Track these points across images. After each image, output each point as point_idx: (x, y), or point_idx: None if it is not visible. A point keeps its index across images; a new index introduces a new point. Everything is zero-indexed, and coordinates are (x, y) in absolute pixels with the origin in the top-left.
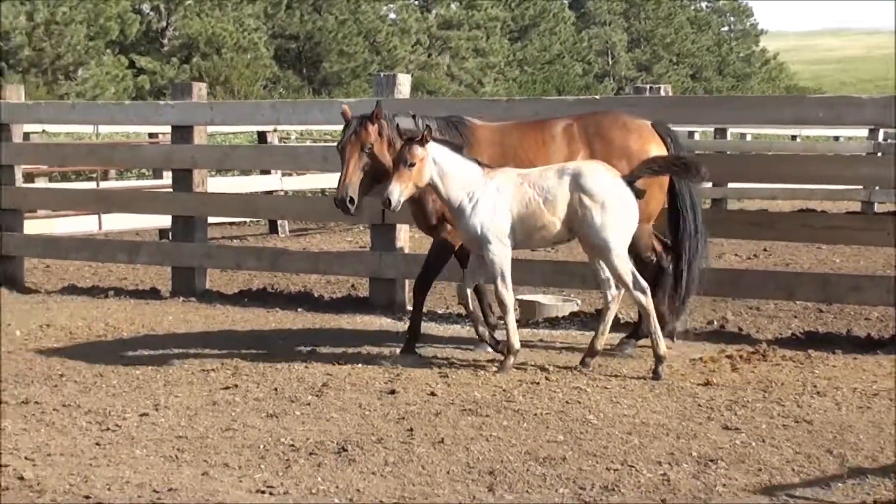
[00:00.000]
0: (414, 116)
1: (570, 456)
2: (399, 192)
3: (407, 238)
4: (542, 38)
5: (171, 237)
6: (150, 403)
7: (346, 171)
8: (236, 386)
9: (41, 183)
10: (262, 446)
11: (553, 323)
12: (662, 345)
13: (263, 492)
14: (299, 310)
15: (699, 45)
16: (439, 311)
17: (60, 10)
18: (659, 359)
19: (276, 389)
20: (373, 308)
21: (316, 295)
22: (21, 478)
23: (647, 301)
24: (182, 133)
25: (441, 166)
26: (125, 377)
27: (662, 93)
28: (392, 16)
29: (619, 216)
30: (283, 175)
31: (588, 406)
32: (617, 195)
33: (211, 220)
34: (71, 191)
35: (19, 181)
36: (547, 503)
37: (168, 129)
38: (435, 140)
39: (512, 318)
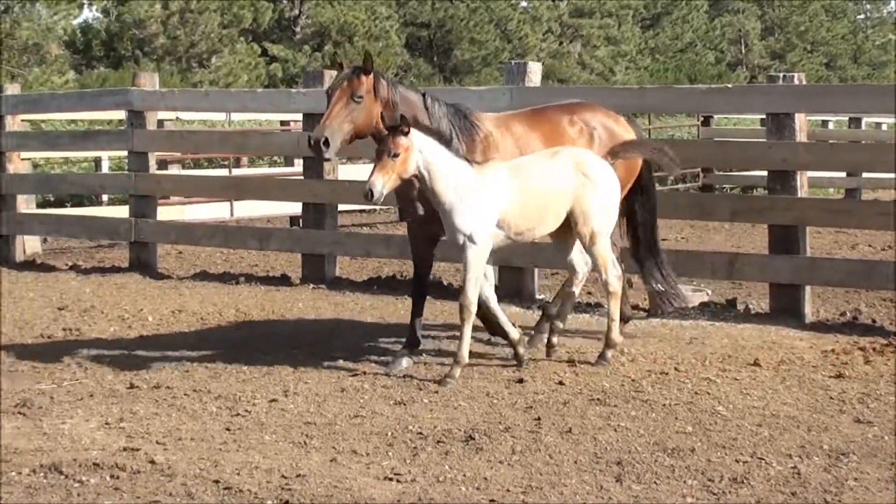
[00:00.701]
0: (424, 95)
1: (699, 447)
2: (382, 183)
3: None
4: (675, 27)
5: (301, 224)
6: (279, 389)
7: (328, 112)
8: (364, 373)
9: (174, 170)
10: (389, 433)
11: (683, 313)
12: (617, 331)
13: (391, 479)
14: (428, 297)
15: (834, 34)
16: None
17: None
18: (609, 344)
19: (404, 377)
20: (502, 297)
21: (444, 283)
22: (152, 461)
23: (618, 287)
24: (314, 120)
25: (427, 157)
26: (255, 363)
27: (796, 81)
28: (524, 3)
29: (614, 201)
30: None
31: (717, 397)
32: (613, 180)
33: (341, 207)
34: (203, 178)
35: (153, 168)
36: (675, 494)
37: (300, 116)
38: (422, 130)
39: (469, 327)
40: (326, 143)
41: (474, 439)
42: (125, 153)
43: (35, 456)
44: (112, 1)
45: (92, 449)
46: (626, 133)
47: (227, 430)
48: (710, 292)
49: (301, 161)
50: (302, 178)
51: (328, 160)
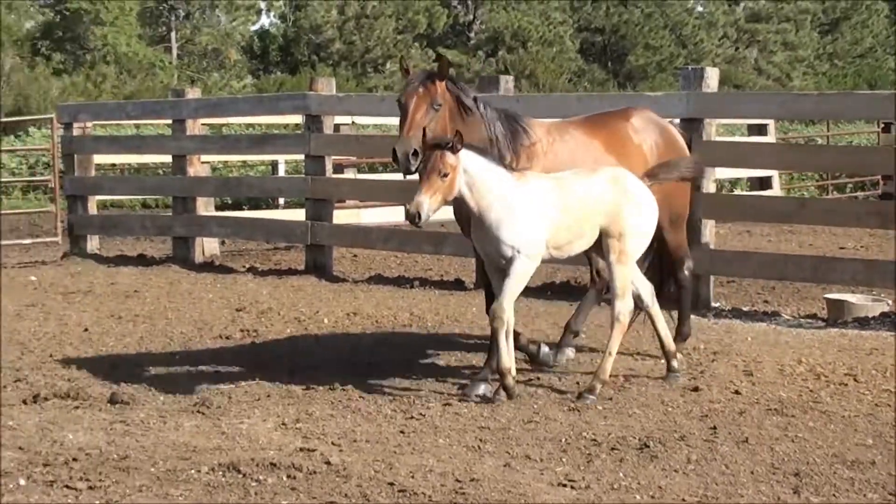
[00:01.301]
0: (475, 99)
1: (880, 460)
2: (429, 205)
3: (713, 233)
4: (854, 31)
5: None
6: (453, 393)
7: (410, 121)
8: (538, 378)
9: (350, 174)
10: (563, 439)
11: (863, 323)
12: (609, 367)
13: (565, 485)
14: (603, 304)
15: None
16: (744, 309)
17: (370, 4)
18: (599, 377)
19: (577, 383)
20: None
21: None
22: (328, 462)
23: (626, 320)
24: None
25: (472, 176)
26: (429, 366)
27: None
28: (699, 9)
29: (649, 226)
30: None
31: None
32: (651, 203)
33: None
34: (379, 181)
35: (329, 172)
36: None
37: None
38: (466, 146)
39: (503, 336)
40: (415, 154)
41: (649, 447)
42: (302, 157)
43: (214, 455)
44: (289, 7)
45: (269, 449)
46: (680, 141)
47: (402, 432)
48: (890, 302)
49: None
50: None
51: (413, 173)
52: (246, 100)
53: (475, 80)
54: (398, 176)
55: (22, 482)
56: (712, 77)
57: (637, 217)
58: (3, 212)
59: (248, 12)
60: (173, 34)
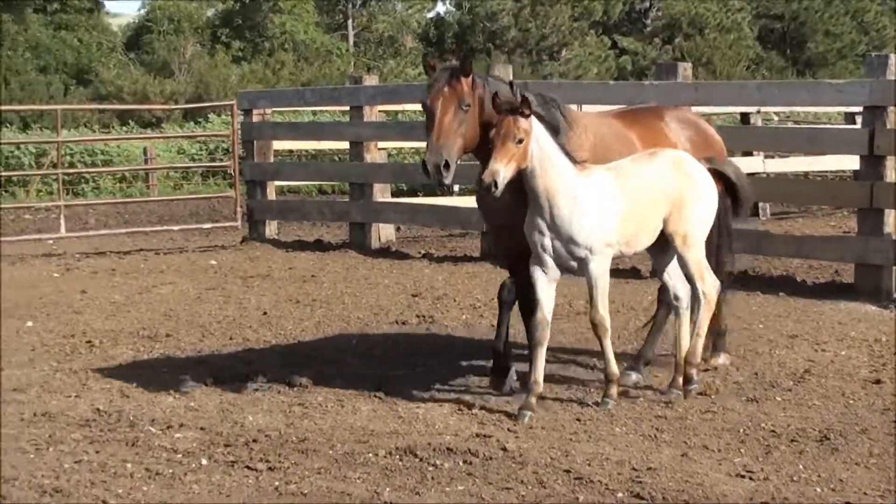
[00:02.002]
0: (511, 84)
1: None
2: (504, 172)
3: (894, 223)
4: None
5: None
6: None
7: (438, 129)
8: (716, 368)
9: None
10: (741, 430)
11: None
12: (701, 348)
13: (743, 476)
14: (780, 294)
15: None
16: None
17: None
18: (693, 364)
19: (756, 374)
20: (857, 295)
21: (798, 279)
22: (504, 448)
23: (715, 297)
24: None
25: (543, 150)
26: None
27: None
28: None
29: (711, 207)
30: (766, 157)
31: None
32: (712, 185)
33: None
34: None
35: None
36: None
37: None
38: (536, 115)
39: (608, 342)
40: (447, 165)
41: (829, 439)
42: None
43: (391, 439)
44: None
45: (445, 434)
46: (713, 136)
47: (578, 420)
48: None
49: None
50: None
51: (447, 186)
52: (423, 87)
53: (651, 67)
54: None
55: (204, 462)
56: None
57: (699, 201)
58: (184, 196)
59: (425, 0)
60: (350, 22)
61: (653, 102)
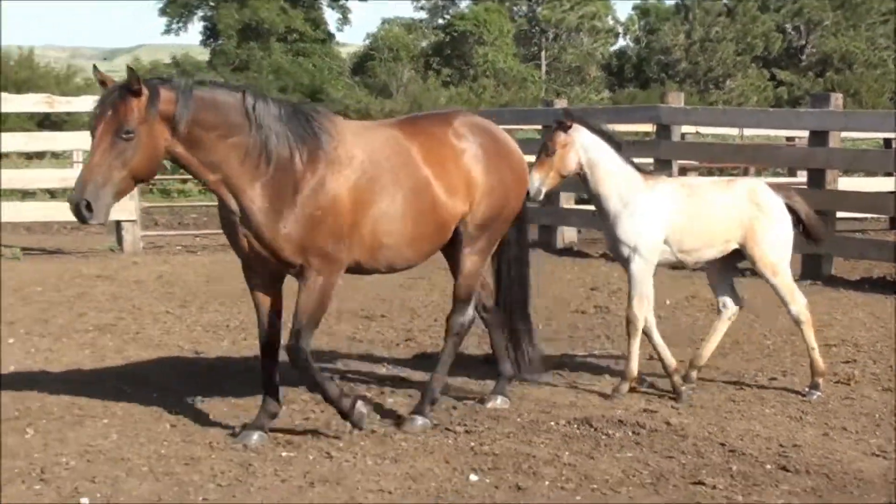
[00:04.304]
0: (244, 93)
1: None
2: (539, 181)
3: None
4: None
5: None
6: (778, 370)
7: (91, 160)
8: (855, 361)
9: (691, 176)
10: (877, 415)
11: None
12: (820, 359)
13: (877, 455)
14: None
15: None
16: None
17: (714, 29)
18: (817, 372)
19: (891, 366)
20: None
21: None
22: (668, 423)
23: (808, 315)
24: (819, 137)
25: (591, 155)
26: (757, 345)
27: None
28: None
29: (787, 233)
30: None
31: None
32: (784, 212)
33: (839, 214)
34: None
35: (675, 174)
36: None
37: (805, 133)
38: (592, 128)
39: (637, 342)
40: (89, 207)
41: None
42: (651, 160)
43: (569, 410)
44: (643, 31)
45: (617, 408)
46: (509, 143)
47: (732, 401)
48: None
49: (805, 172)
50: (805, 187)
51: (89, 224)
52: (605, 110)
53: (805, 97)
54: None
55: (419, 422)
56: None
57: (774, 228)
58: None
59: (608, 35)
60: (543, 53)
61: (807, 129)
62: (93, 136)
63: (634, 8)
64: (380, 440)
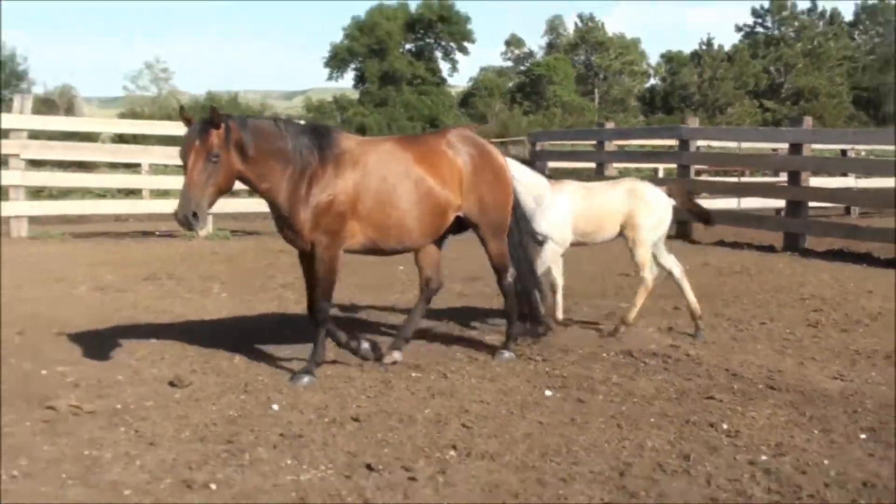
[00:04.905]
0: (276, 121)
1: None
2: None
3: None
4: None
5: (784, 214)
6: (766, 317)
7: (188, 181)
8: (822, 310)
9: (704, 177)
10: (837, 349)
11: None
12: (634, 314)
13: (836, 378)
14: (863, 265)
15: None
16: None
17: (718, 71)
18: (624, 321)
19: (846, 314)
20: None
21: (874, 255)
22: (687, 354)
23: (650, 285)
24: (795, 148)
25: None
26: (752, 299)
27: None
28: None
29: (659, 219)
30: (856, 177)
31: None
32: (662, 203)
33: (811, 204)
34: (717, 182)
35: (692, 175)
36: None
37: (785, 145)
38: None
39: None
40: (195, 216)
41: (891, 357)
42: (675, 166)
43: (617, 345)
44: (668, 73)
45: (651, 343)
46: (497, 155)
47: (734, 339)
48: None
49: (785, 174)
50: (786, 184)
51: (194, 232)
52: (641, 129)
53: (784, 120)
54: (733, 179)
55: (506, 355)
56: None
57: (645, 219)
58: None
59: (643, 76)
60: (596, 89)
61: (786, 143)
62: (185, 160)
63: (661, 56)
64: (481, 366)
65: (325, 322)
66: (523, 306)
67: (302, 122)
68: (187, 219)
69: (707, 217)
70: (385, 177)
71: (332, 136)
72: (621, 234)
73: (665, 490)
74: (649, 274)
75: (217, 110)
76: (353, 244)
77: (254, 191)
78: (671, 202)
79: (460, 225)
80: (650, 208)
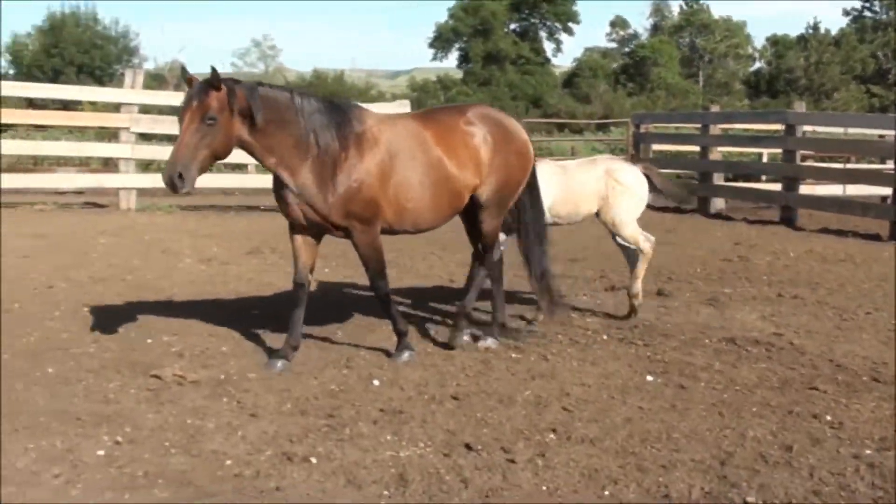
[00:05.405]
0: (291, 92)
1: None
2: None
3: None
4: None
5: (892, 201)
6: (871, 306)
7: (178, 143)
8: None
9: (809, 162)
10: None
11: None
12: (638, 286)
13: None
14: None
15: None
16: None
17: (825, 55)
18: (631, 294)
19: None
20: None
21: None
22: (791, 343)
23: (649, 253)
24: None
25: None
26: (857, 288)
27: None
28: None
29: (636, 199)
30: None
31: None
32: (638, 183)
33: None
34: (821, 168)
35: (798, 161)
36: None
37: (892, 131)
38: None
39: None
40: (181, 177)
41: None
42: (780, 151)
43: (719, 332)
44: (773, 56)
45: (753, 331)
46: (519, 132)
47: (838, 328)
48: None
49: (892, 162)
50: (892, 171)
51: (184, 194)
52: (746, 113)
53: (891, 105)
54: (839, 165)
55: (604, 337)
56: None
57: (622, 198)
58: None
59: (747, 59)
60: (700, 72)
61: (893, 129)
62: (181, 121)
63: (767, 39)
64: (582, 349)
65: (388, 299)
66: (545, 288)
67: (321, 96)
68: (172, 180)
69: (681, 198)
70: (403, 158)
71: (351, 113)
72: (597, 214)
73: (766, 481)
74: (646, 243)
75: (217, 71)
76: None
77: (259, 162)
78: (645, 182)
79: None
80: (628, 190)
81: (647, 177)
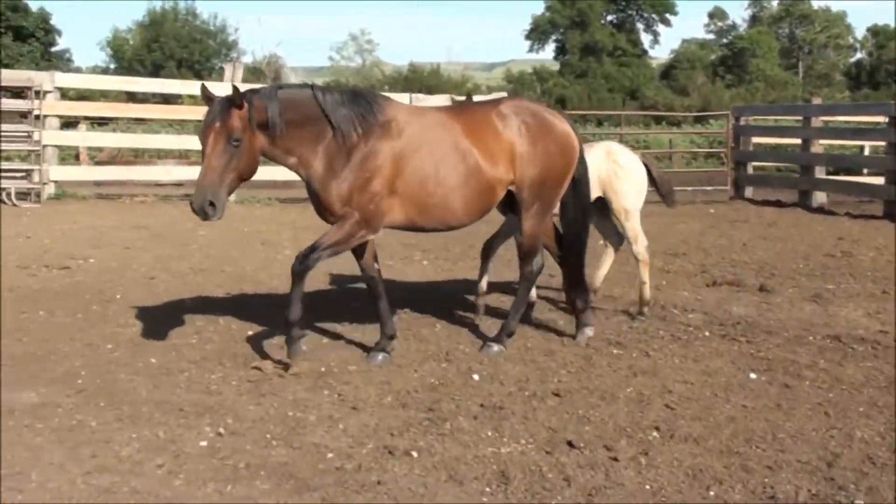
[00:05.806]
0: (312, 87)
1: None
2: None
3: None
4: None
5: None
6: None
7: (205, 167)
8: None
9: None
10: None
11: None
12: (648, 292)
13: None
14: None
15: None
16: None
17: None
18: (642, 301)
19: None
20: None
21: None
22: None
23: (646, 257)
24: None
25: None
26: None
27: None
28: None
29: (640, 185)
30: None
31: None
32: (639, 168)
33: None
34: None
35: None
36: None
37: None
38: None
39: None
40: (212, 204)
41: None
42: (883, 144)
43: (823, 329)
44: (874, 47)
45: (859, 329)
46: (559, 123)
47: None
48: None
49: None
50: None
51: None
52: (848, 105)
53: None
54: None
55: (706, 333)
56: None
57: (625, 182)
58: (694, 169)
59: (848, 50)
60: (800, 64)
61: None
62: (203, 143)
63: (868, 29)
64: (684, 345)
65: (299, 277)
66: (577, 276)
67: (343, 88)
68: (203, 209)
69: (671, 197)
70: (430, 151)
71: (379, 102)
72: (599, 200)
73: (875, 484)
74: (642, 246)
75: (238, 90)
76: (389, 221)
77: (277, 163)
78: (644, 169)
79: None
80: (630, 174)
81: (646, 166)
